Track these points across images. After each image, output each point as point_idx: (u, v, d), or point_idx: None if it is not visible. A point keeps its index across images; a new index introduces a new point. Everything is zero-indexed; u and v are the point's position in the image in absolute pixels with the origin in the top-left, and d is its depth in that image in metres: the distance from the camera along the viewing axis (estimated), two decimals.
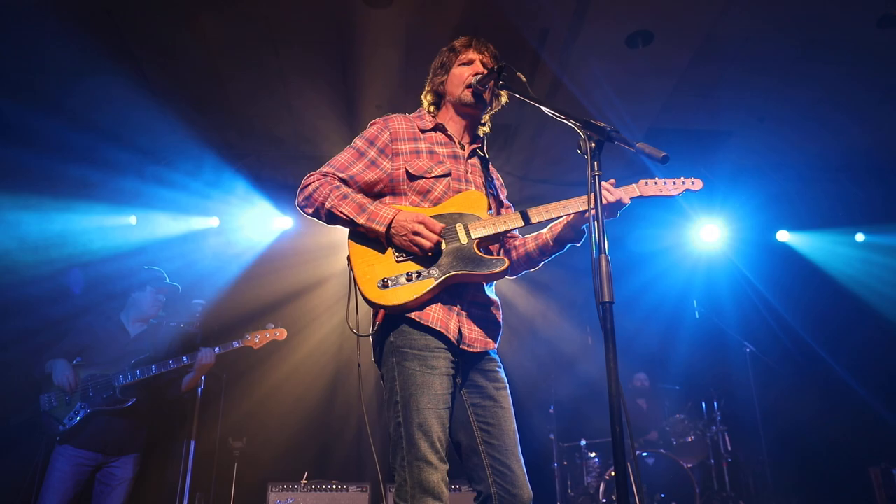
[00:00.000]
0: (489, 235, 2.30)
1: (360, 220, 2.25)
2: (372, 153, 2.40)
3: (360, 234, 2.31)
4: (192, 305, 5.20)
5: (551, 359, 6.75)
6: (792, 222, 7.15)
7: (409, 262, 2.24)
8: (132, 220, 6.46)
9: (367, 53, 4.94)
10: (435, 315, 2.22)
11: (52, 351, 4.30)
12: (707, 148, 5.90)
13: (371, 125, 2.49)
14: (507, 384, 2.36)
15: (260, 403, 5.75)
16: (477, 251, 2.26)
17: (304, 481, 4.85)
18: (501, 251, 2.58)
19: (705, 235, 7.19)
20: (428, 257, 2.24)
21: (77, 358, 4.25)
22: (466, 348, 2.27)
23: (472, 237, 2.28)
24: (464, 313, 2.30)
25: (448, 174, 2.40)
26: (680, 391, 6.67)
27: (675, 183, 2.47)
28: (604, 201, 2.19)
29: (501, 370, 2.38)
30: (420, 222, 2.21)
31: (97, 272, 5.72)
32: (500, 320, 2.44)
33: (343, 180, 2.36)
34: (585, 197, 2.31)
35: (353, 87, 5.29)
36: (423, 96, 2.63)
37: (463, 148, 2.53)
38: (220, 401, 5.21)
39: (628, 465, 1.93)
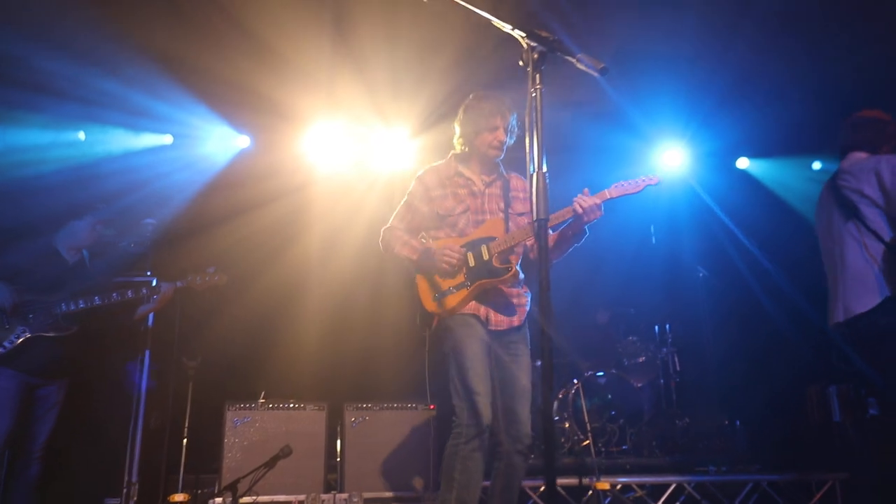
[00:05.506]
0: (504, 249, 3.19)
1: (413, 256, 3.29)
2: (416, 203, 3.41)
3: (421, 270, 3.29)
4: (143, 225, 5.06)
5: None
6: (752, 149, 7.18)
7: (450, 280, 3.20)
8: (80, 135, 6.21)
9: None
10: (471, 307, 3.22)
11: None
12: (672, 72, 5.82)
13: (413, 182, 3.45)
14: (526, 352, 3.26)
15: (215, 323, 5.69)
16: (495, 264, 3.18)
17: (261, 400, 4.88)
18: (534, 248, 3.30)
19: (668, 160, 7.18)
20: (465, 273, 3.19)
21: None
22: (493, 328, 3.22)
23: (492, 253, 3.18)
24: (490, 306, 3.23)
25: (467, 209, 3.33)
26: (635, 314, 6.83)
27: (636, 182, 3.25)
28: (580, 209, 3.12)
29: (522, 342, 3.28)
30: (446, 247, 3.20)
31: (44, 184, 5.51)
32: (523, 304, 3.31)
33: (402, 229, 3.42)
34: (570, 208, 3.17)
35: None
36: (456, 140, 3.43)
37: (484, 182, 3.39)
38: (175, 322, 5.14)
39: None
